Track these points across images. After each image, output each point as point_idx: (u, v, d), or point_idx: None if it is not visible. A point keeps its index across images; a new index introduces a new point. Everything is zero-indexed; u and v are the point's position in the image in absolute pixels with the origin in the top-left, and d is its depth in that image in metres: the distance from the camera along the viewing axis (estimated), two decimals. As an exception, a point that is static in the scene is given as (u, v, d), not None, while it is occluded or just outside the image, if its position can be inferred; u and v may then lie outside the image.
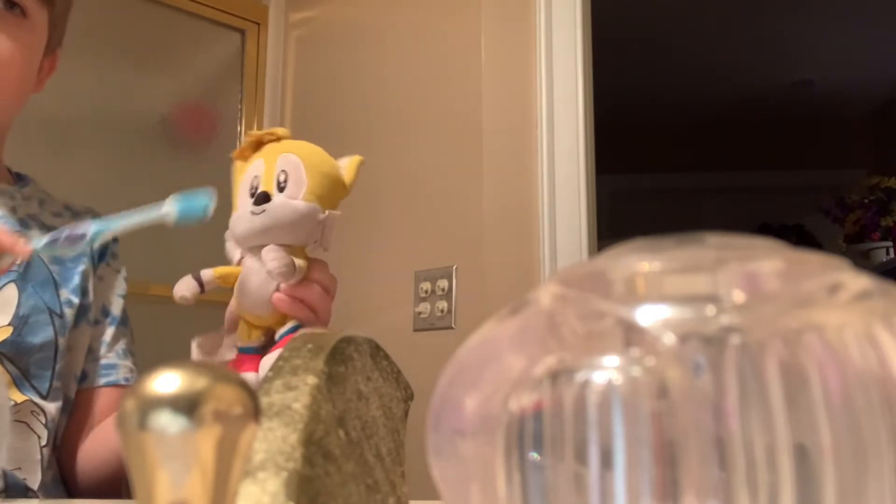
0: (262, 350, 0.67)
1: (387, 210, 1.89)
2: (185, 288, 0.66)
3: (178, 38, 2.18)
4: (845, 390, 0.24)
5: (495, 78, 1.76)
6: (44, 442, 0.80)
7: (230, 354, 0.67)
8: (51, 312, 0.83)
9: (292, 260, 0.65)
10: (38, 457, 0.80)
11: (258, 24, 2.28)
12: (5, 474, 0.75)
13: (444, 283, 1.73)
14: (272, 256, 0.64)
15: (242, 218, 0.66)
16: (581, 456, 0.24)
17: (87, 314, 0.88)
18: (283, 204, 0.65)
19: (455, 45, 1.82)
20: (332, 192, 0.69)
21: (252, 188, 0.67)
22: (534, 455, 0.26)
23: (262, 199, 0.65)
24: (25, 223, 0.87)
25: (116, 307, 0.92)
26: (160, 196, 0.63)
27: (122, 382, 0.89)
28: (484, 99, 1.74)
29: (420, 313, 1.76)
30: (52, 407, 0.81)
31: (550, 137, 1.72)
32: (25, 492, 0.77)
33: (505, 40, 1.78)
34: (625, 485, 0.24)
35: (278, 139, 0.69)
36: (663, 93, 4.01)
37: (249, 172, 0.68)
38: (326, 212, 0.68)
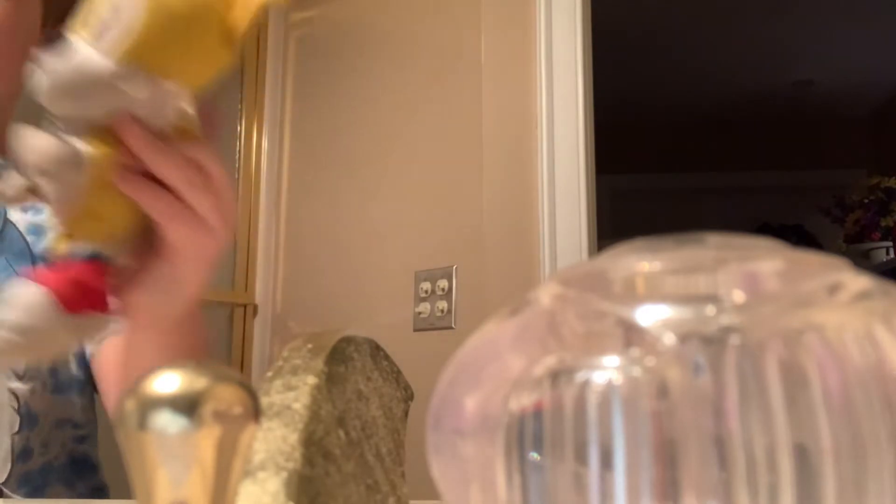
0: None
1: (387, 210, 1.89)
2: None
3: (178, 38, 2.18)
4: (845, 390, 0.24)
5: (495, 78, 1.76)
6: (16, 429, 0.77)
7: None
8: None
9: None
10: (8, 445, 0.76)
11: (258, 24, 2.28)
12: None
13: (444, 283, 1.73)
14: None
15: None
16: (581, 456, 0.24)
17: None
18: (83, 61, 0.43)
19: (455, 45, 1.82)
20: (189, 46, 0.46)
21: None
22: (534, 455, 0.26)
23: (57, 49, 0.44)
24: None
25: None
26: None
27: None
28: (484, 99, 1.74)
29: (420, 313, 1.76)
30: (25, 389, 0.78)
31: (550, 137, 1.72)
32: None
33: (505, 41, 1.78)
34: (625, 485, 0.24)
35: None
36: (663, 93, 4.01)
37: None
38: (158, 81, 0.45)
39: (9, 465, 0.77)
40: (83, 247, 0.47)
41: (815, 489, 0.23)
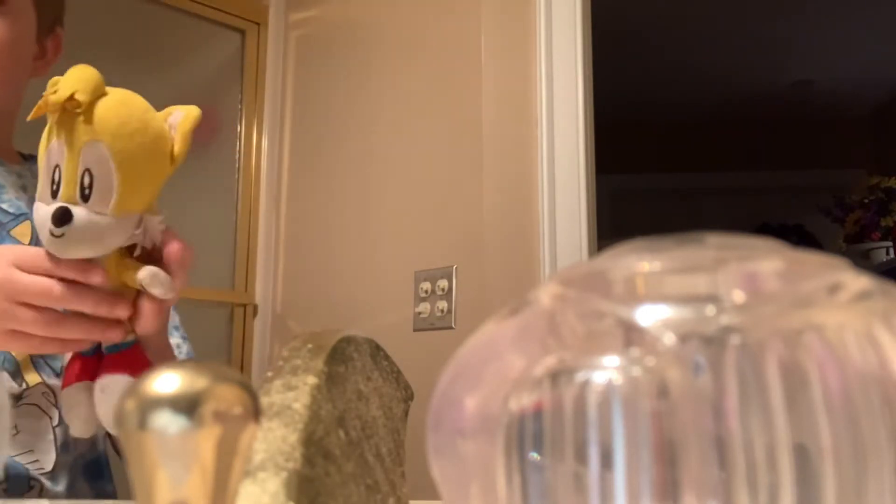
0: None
1: (387, 210, 1.89)
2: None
3: (178, 38, 2.18)
4: (845, 390, 0.24)
5: (495, 78, 1.76)
6: (55, 422, 0.81)
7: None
8: None
9: (171, 286, 0.61)
10: (51, 436, 0.80)
11: (258, 24, 2.28)
12: (5, 464, 0.75)
13: (444, 283, 1.73)
14: (154, 285, 0.61)
15: (43, 226, 0.58)
16: (581, 456, 0.24)
17: None
18: (87, 225, 0.58)
19: (455, 45, 1.82)
20: (153, 180, 0.61)
21: (53, 182, 0.58)
22: (534, 455, 0.26)
23: (62, 218, 0.57)
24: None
25: None
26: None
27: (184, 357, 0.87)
28: (484, 99, 1.74)
29: (420, 313, 1.76)
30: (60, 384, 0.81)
31: (550, 137, 1.72)
32: (28, 480, 0.77)
33: (505, 40, 1.78)
34: (625, 485, 0.24)
35: (78, 106, 0.57)
36: (663, 93, 4.01)
37: (51, 152, 0.58)
38: (142, 217, 0.61)
39: (54, 455, 0.80)
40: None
41: (815, 489, 0.23)
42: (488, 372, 0.29)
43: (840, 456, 0.23)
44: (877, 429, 0.23)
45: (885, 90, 3.98)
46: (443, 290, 1.73)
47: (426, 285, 1.76)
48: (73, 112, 0.57)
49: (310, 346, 0.38)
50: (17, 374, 0.79)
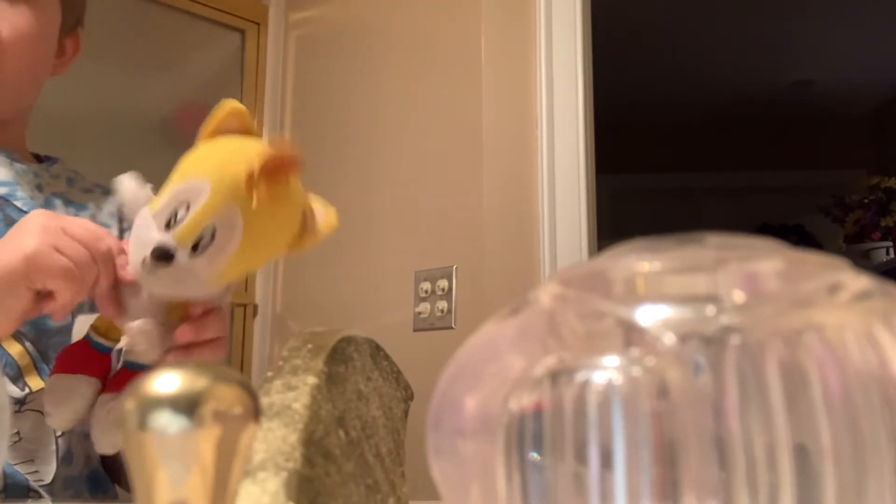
0: (110, 350, 0.64)
1: (387, 210, 1.89)
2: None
3: (178, 38, 2.18)
4: (845, 390, 0.24)
5: (495, 78, 1.76)
6: (59, 431, 0.78)
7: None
8: None
9: (156, 347, 0.60)
10: (54, 447, 0.77)
11: (258, 24, 2.28)
12: (5, 473, 0.74)
13: (444, 283, 1.73)
14: (142, 340, 0.59)
15: (140, 249, 0.56)
16: (581, 456, 0.24)
17: None
18: (181, 274, 0.55)
19: (455, 45, 1.82)
20: (261, 261, 0.60)
21: (175, 215, 0.55)
22: (534, 455, 0.25)
23: (163, 258, 0.55)
24: (50, 201, 0.86)
25: None
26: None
27: None
28: (484, 99, 1.74)
29: (420, 313, 1.76)
30: None
31: (550, 137, 1.72)
32: (27, 491, 0.75)
33: (505, 40, 1.78)
34: (625, 485, 0.24)
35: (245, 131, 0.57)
36: (663, 93, 4.01)
37: (191, 186, 0.55)
38: (228, 288, 0.60)
39: (54, 467, 0.77)
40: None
41: (815, 489, 0.23)
42: (488, 372, 0.29)
43: (840, 456, 0.23)
44: (877, 429, 0.23)
45: (885, 90, 3.98)
46: (443, 290, 1.73)
47: (426, 285, 1.76)
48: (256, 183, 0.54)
49: (310, 346, 0.38)
50: (18, 377, 0.77)
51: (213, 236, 0.55)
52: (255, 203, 0.54)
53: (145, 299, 0.60)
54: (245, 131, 0.60)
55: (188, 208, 0.55)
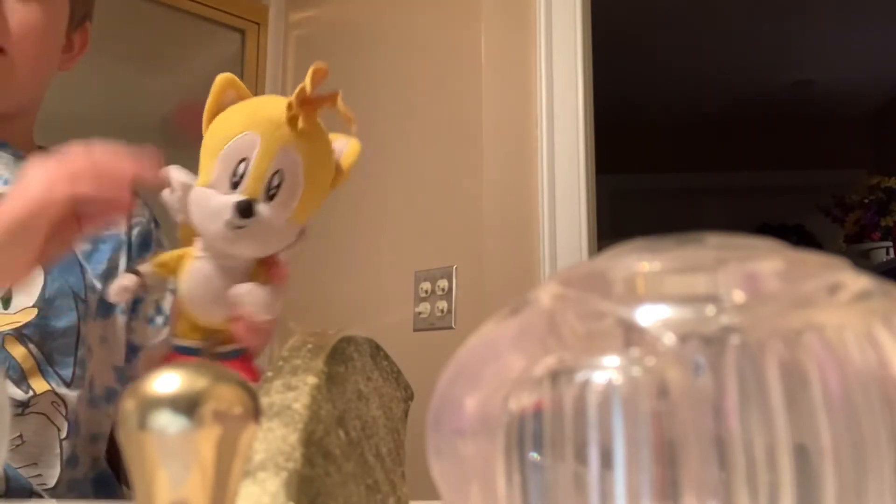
0: (199, 352, 0.62)
1: (387, 210, 1.89)
2: (125, 278, 0.59)
3: (178, 38, 2.18)
4: (845, 390, 0.24)
5: (495, 78, 1.76)
6: (63, 434, 0.77)
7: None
8: (75, 297, 0.79)
9: (275, 306, 0.60)
10: (58, 450, 0.76)
11: (258, 24, 2.28)
12: (7, 476, 0.73)
13: (444, 283, 1.73)
14: (254, 302, 0.59)
15: (217, 215, 0.56)
16: (581, 456, 0.24)
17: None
18: (268, 222, 0.57)
19: (455, 45, 1.82)
20: (322, 196, 0.62)
21: (235, 174, 0.56)
22: (534, 455, 0.25)
23: (247, 211, 0.55)
24: None
25: (168, 303, 0.86)
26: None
27: None
28: (484, 99, 1.74)
29: (420, 313, 1.76)
30: (73, 396, 0.78)
31: (550, 137, 1.72)
32: (30, 494, 0.75)
33: (505, 41, 1.78)
34: (625, 485, 0.24)
35: (329, 101, 0.57)
36: (663, 93, 4.01)
37: (238, 144, 0.56)
38: (304, 229, 0.61)
39: (58, 471, 0.76)
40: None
41: (815, 489, 0.23)
42: (488, 372, 0.29)
43: (840, 456, 0.23)
44: (877, 429, 0.23)
45: (885, 90, 3.98)
46: (443, 290, 1.73)
47: (426, 285, 1.76)
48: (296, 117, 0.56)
49: (310, 346, 0.38)
50: (21, 380, 0.75)
51: (280, 180, 0.56)
52: (300, 124, 0.55)
53: (224, 279, 0.60)
54: (244, 99, 0.60)
55: (246, 163, 0.56)
